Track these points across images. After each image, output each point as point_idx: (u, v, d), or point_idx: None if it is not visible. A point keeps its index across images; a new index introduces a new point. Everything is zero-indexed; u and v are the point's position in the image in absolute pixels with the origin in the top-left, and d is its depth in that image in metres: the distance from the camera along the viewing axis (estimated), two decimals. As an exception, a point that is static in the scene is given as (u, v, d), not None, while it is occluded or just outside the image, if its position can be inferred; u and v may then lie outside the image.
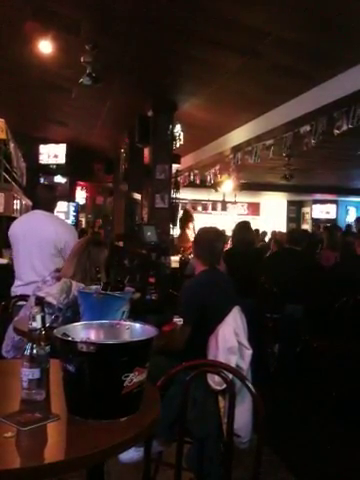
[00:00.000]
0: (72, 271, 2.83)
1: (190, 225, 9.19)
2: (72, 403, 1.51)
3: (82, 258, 2.87)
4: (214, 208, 18.23)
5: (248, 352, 2.70)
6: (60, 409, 1.51)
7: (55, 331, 1.54)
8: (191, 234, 8.51)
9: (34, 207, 4.07)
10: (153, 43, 5.44)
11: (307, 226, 18.18)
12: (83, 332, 1.66)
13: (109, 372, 1.45)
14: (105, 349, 1.46)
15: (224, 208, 17.81)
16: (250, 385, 1.95)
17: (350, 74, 5.30)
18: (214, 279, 3.11)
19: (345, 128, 5.63)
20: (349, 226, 12.32)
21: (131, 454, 2.57)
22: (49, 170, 12.50)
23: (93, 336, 1.67)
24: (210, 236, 3.26)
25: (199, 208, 17.80)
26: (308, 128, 6.47)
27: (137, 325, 1.71)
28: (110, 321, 1.86)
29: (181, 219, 9.20)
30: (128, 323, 1.77)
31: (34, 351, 1.56)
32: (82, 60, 5.43)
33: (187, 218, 9.14)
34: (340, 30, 4.53)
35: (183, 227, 8.99)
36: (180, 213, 9.63)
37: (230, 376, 2.08)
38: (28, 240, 3.67)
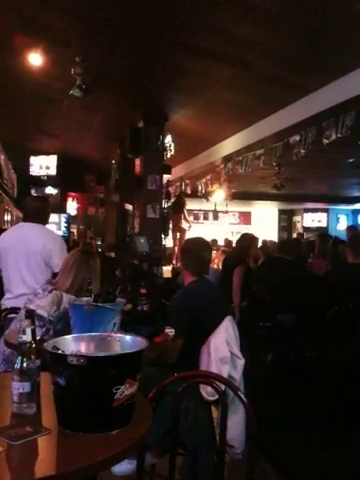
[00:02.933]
0: (69, 284, 2.81)
1: (185, 212, 9.19)
2: (63, 416, 1.50)
3: (80, 270, 2.84)
4: (206, 218, 18.25)
5: (240, 362, 2.70)
6: (51, 423, 1.50)
7: (45, 344, 1.53)
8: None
9: (24, 219, 4.04)
10: (143, 54, 5.47)
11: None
12: (73, 345, 1.65)
13: (100, 385, 1.44)
14: (95, 362, 1.45)
15: (216, 217, 17.81)
16: (242, 395, 1.95)
17: (338, 84, 5.37)
18: (204, 289, 3.11)
19: (334, 137, 5.69)
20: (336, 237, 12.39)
21: (124, 467, 2.54)
22: (40, 181, 12.47)
23: (83, 349, 1.66)
24: (197, 246, 3.27)
25: (191, 218, 17.79)
26: (297, 138, 6.52)
27: (128, 337, 1.71)
28: (100, 333, 1.85)
29: (174, 203, 9.21)
30: (119, 335, 1.77)
31: (24, 364, 1.55)
32: (72, 72, 5.45)
33: (181, 204, 9.13)
34: (328, 41, 4.58)
35: (176, 213, 8.95)
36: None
37: (222, 387, 2.07)
38: (16, 253, 3.64)
